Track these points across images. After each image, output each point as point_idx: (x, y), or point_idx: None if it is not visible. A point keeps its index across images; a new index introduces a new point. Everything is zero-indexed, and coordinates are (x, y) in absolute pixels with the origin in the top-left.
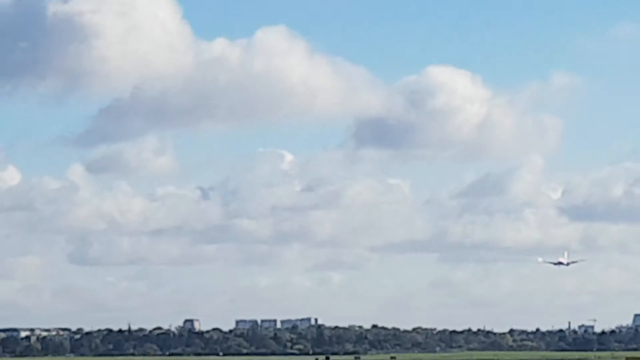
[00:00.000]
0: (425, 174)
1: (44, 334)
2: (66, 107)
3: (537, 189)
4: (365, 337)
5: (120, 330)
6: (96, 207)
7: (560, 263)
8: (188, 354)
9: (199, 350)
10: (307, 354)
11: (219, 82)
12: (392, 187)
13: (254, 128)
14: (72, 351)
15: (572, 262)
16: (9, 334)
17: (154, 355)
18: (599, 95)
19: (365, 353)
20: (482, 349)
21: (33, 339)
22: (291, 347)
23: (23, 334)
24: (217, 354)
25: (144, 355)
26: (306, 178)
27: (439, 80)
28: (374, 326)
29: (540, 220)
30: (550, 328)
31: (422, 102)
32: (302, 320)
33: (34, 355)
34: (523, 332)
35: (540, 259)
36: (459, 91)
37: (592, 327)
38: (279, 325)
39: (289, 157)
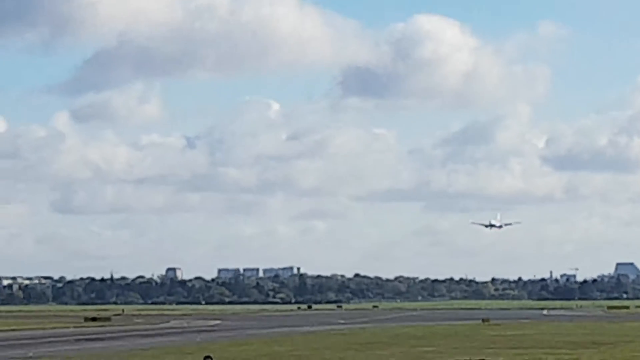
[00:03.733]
0: (411, 123)
1: (27, 282)
2: (53, 55)
3: (522, 138)
4: (348, 286)
5: (102, 279)
6: (81, 156)
7: (492, 225)
8: (170, 303)
9: (181, 299)
10: (289, 302)
11: (207, 31)
12: (377, 137)
13: (241, 77)
14: (54, 299)
15: (506, 225)
16: None
17: (136, 303)
18: (587, 44)
19: (347, 302)
20: (464, 298)
21: (15, 287)
22: (273, 296)
23: (5, 282)
24: (200, 303)
25: (126, 303)
26: (292, 127)
27: (426, 29)
28: (357, 275)
29: (524, 169)
30: (532, 277)
31: (409, 51)
32: (284, 269)
33: (16, 304)
34: (505, 281)
35: (471, 221)
36: (446, 40)
37: (574, 276)
38: (261, 274)
39: (275, 106)
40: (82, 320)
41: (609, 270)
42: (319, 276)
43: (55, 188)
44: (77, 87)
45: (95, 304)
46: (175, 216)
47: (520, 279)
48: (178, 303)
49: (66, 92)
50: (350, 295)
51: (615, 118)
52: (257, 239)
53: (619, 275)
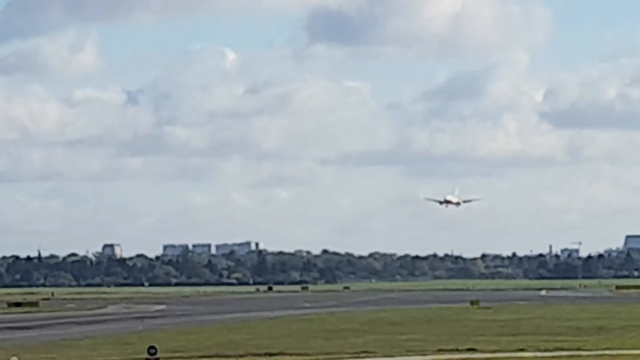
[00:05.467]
0: (387, 74)
1: None
2: None
3: (517, 91)
4: (314, 265)
5: (28, 258)
6: (4, 113)
7: (448, 202)
8: (108, 285)
9: (121, 280)
10: (247, 283)
11: None
12: (349, 90)
13: (190, 21)
14: None
15: (466, 201)
16: None
17: (69, 286)
18: None
19: (314, 283)
20: (450, 277)
21: None
22: (228, 276)
23: None
24: (142, 285)
25: (57, 286)
26: (250, 79)
27: None
28: (325, 251)
29: (520, 127)
30: (528, 253)
31: None
32: (240, 244)
33: None
34: (497, 257)
35: (422, 196)
36: None
37: (577, 251)
38: (213, 250)
39: (230, 55)
40: (5, 306)
41: (618, 244)
42: (280, 253)
43: None
44: None
45: (21, 286)
46: (113, 184)
47: (514, 254)
48: (117, 285)
49: None
50: (317, 275)
51: (625, 66)
52: (209, 210)
53: (628, 249)
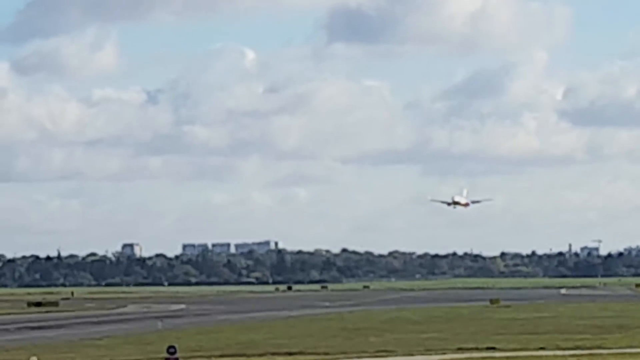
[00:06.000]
0: (407, 73)
1: None
2: None
3: (537, 89)
4: (334, 264)
5: (48, 257)
6: (24, 114)
7: (456, 203)
8: (127, 284)
9: (140, 280)
10: (266, 283)
11: None
12: (369, 89)
13: (210, 21)
14: None
15: (475, 202)
16: None
17: (88, 285)
18: None
19: (333, 282)
20: (469, 276)
21: None
22: (247, 276)
23: None
24: (161, 284)
25: (76, 285)
26: (269, 79)
27: None
28: (344, 250)
29: (539, 125)
30: (548, 251)
31: None
32: (260, 244)
33: None
34: (517, 255)
35: (429, 197)
36: None
37: (597, 249)
38: (232, 250)
39: (250, 54)
40: (25, 306)
41: (638, 242)
42: (300, 252)
43: None
44: (20, 33)
45: (41, 286)
46: (134, 184)
47: (534, 253)
48: (136, 284)
49: (6, 40)
50: (336, 273)
51: None
52: (228, 209)
53: None
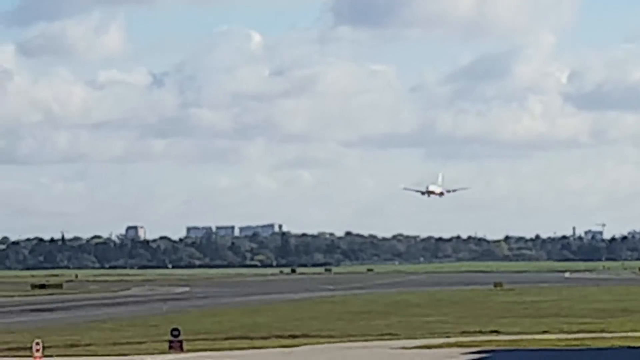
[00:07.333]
0: (412, 56)
1: None
2: None
3: (542, 73)
4: (338, 247)
5: (52, 240)
6: (30, 96)
7: (430, 192)
8: (131, 267)
9: (144, 262)
10: (270, 265)
11: None
12: (374, 73)
13: (216, 3)
14: None
15: (450, 191)
16: None
17: (92, 268)
18: None
19: (337, 264)
20: (473, 259)
21: None
22: (251, 259)
23: None
24: (166, 267)
25: (80, 268)
26: (275, 62)
27: None
28: (348, 233)
29: (545, 109)
30: (552, 234)
31: None
32: (264, 226)
33: None
34: (520, 239)
35: (402, 186)
36: None
37: (601, 233)
38: (237, 232)
39: (255, 37)
40: (29, 288)
41: None
42: (304, 235)
43: None
44: (26, 15)
45: (45, 268)
46: (138, 166)
47: (537, 236)
48: (140, 267)
49: (12, 22)
50: (340, 257)
51: None
52: (233, 192)
53: None
